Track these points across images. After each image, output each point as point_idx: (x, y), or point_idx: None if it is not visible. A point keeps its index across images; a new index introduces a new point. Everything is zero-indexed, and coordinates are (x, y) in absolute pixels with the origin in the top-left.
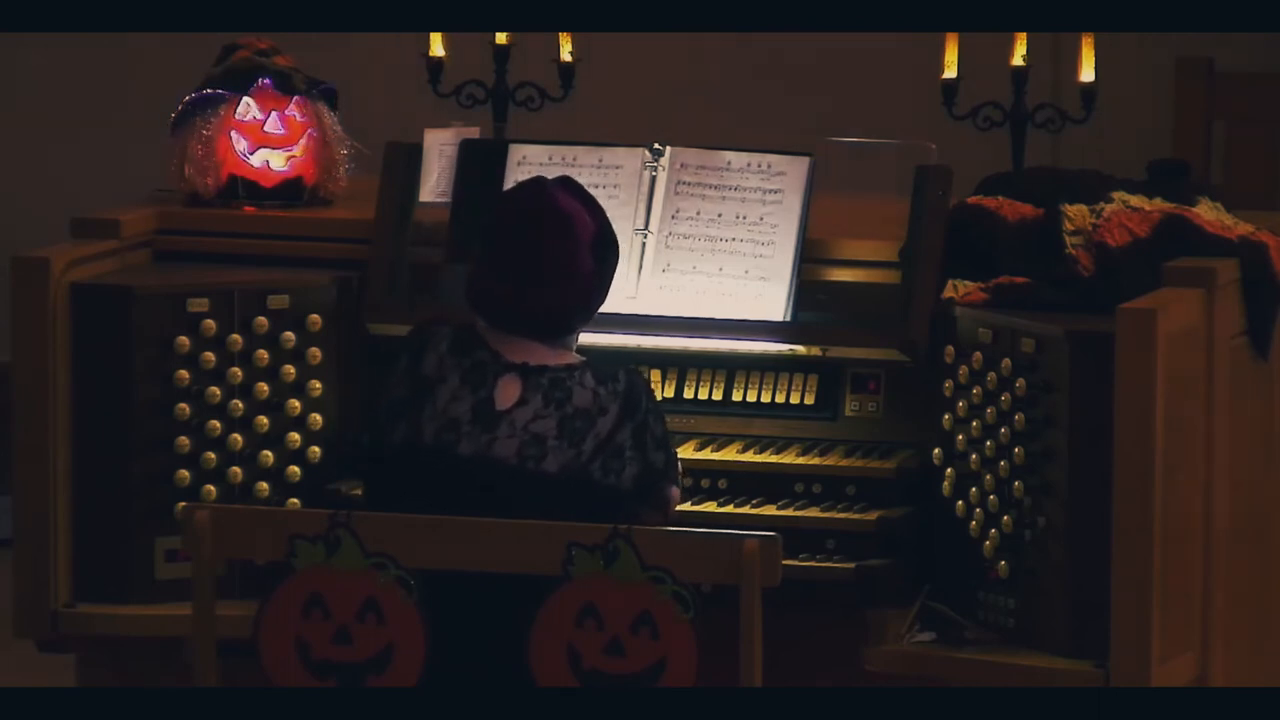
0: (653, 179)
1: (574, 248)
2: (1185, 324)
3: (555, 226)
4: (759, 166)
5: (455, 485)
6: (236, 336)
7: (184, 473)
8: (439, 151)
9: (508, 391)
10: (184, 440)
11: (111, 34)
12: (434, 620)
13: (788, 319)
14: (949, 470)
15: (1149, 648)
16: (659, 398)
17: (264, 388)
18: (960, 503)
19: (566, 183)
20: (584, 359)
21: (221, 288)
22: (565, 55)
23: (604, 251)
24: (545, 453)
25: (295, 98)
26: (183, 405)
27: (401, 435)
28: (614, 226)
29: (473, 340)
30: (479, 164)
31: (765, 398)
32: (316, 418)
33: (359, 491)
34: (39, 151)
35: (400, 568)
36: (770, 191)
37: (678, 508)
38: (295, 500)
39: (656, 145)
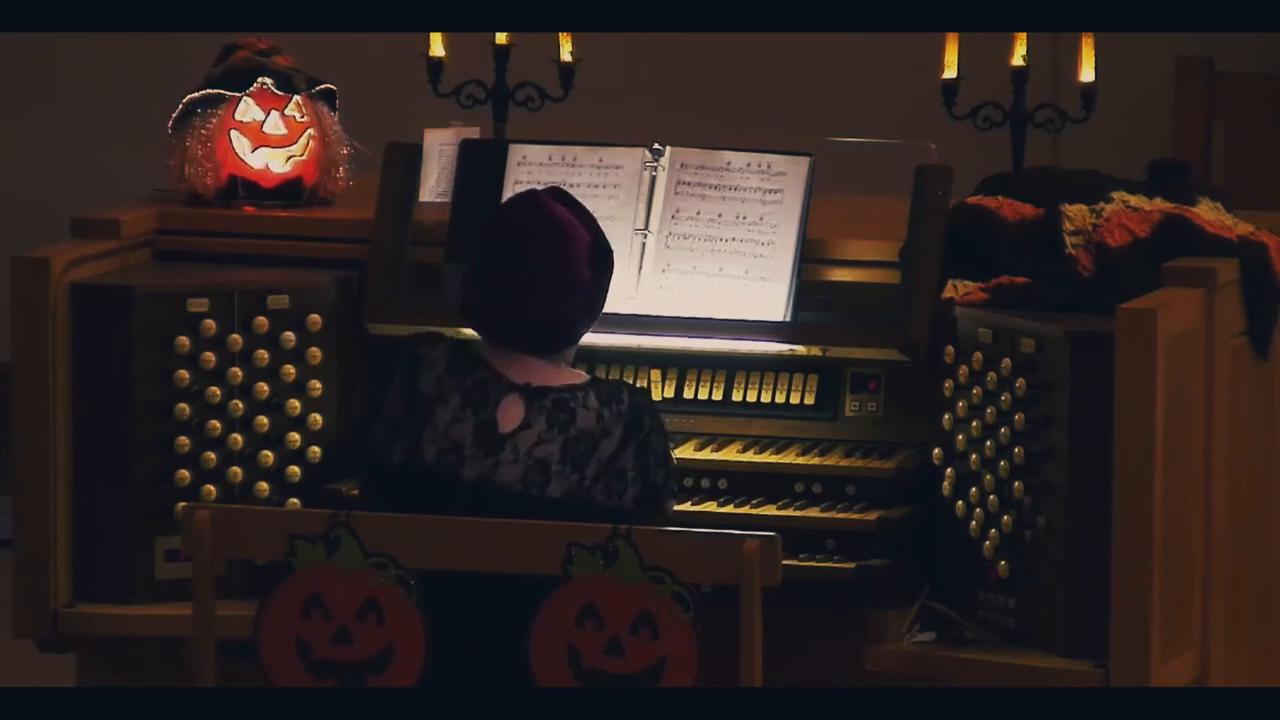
0: (653, 179)
1: (571, 258)
2: (1185, 324)
3: (551, 237)
4: (759, 166)
5: (459, 509)
6: (236, 336)
7: (184, 473)
8: (439, 151)
9: (510, 413)
10: (184, 440)
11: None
12: (434, 620)
13: (788, 319)
14: (949, 470)
15: (1149, 648)
16: (659, 398)
17: (264, 388)
18: (960, 503)
19: (557, 193)
20: (587, 378)
21: (221, 288)
22: (565, 55)
23: (600, 261)
24: (549, 478)
25: (295, 98)
26: (183, 405)
27: (401, 456)
28: (614, 227)
29: (472, 358)
30: (479, 164)
31: (765, 398)
32: (316, 418)
33: (359, 492)
34: (40, 150)
35: (400, 568)
36: (770, 191)
37: (675, 507)
38: (295, 500)
39: (656, 145)
